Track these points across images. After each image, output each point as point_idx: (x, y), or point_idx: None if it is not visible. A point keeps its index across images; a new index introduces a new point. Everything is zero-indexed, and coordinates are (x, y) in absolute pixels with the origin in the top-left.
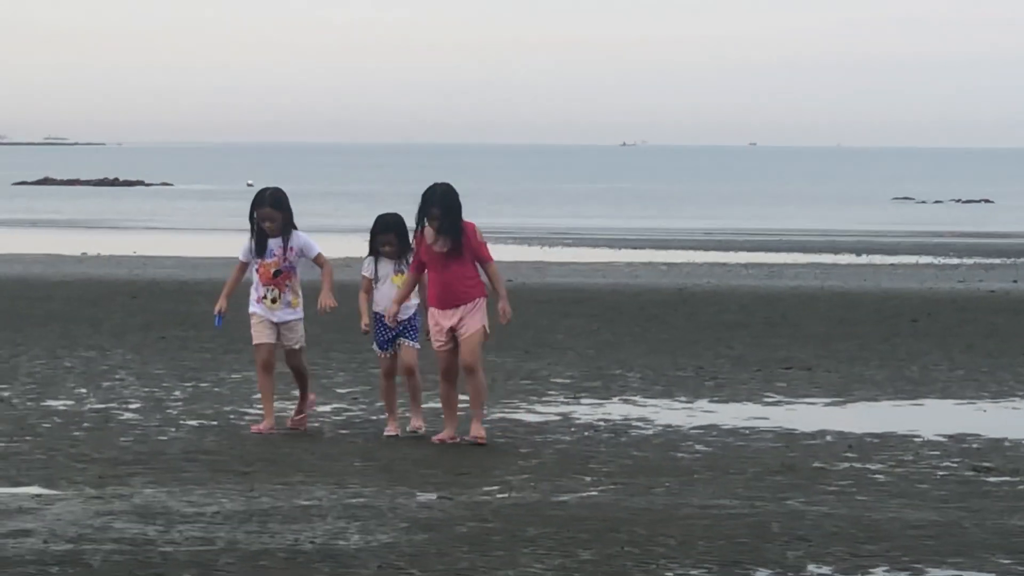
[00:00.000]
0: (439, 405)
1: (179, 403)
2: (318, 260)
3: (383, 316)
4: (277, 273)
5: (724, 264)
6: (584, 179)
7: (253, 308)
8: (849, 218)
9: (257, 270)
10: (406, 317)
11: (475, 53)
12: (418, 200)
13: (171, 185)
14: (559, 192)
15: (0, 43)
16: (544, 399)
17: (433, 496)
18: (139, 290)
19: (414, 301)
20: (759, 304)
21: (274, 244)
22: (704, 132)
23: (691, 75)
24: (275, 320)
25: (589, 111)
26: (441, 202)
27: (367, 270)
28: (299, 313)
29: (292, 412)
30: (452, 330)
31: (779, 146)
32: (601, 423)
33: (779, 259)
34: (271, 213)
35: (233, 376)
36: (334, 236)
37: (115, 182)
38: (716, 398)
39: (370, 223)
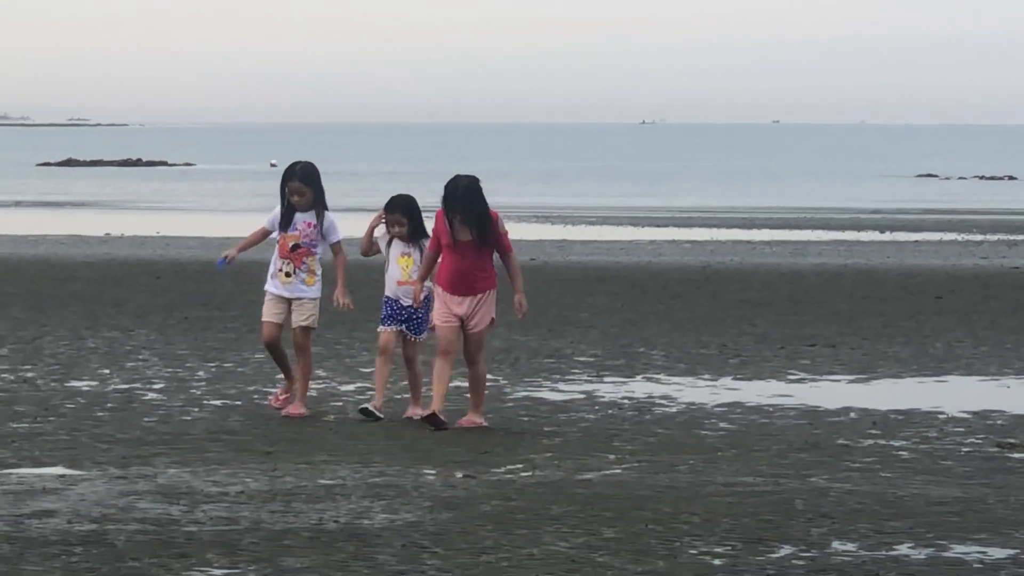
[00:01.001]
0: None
1: (202, 383)
2: (336, 247)
3: (391, 299)
4: (295, 247)
5: (748, 242)
6: (606, 157)
7: (267, 285)
8: (872, 195)
9: (277, 242)
10: (409, 304)
11: (494, 32)
12: (444, 184)
13: (194, 165)
14: (580, 170)
15: (24, 27)
16: (568, 377)
17: (458, 475)
18: (162, 271)
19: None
20: (783, 282)
21: (300, 218)
22: (726, 110)
23: (712, 53)
24: (287, 295)
25: (607, 89)
26: (464, 198)
27: (381, 238)
28: (312, 292)
29: (290, 394)
30: (459, 317)
31: (803, 123)
32: (625, 401)
33: (803, 236)
34: (300, 187)
35: (257, 356)
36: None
37: (138, 163)
38: (740, 376)
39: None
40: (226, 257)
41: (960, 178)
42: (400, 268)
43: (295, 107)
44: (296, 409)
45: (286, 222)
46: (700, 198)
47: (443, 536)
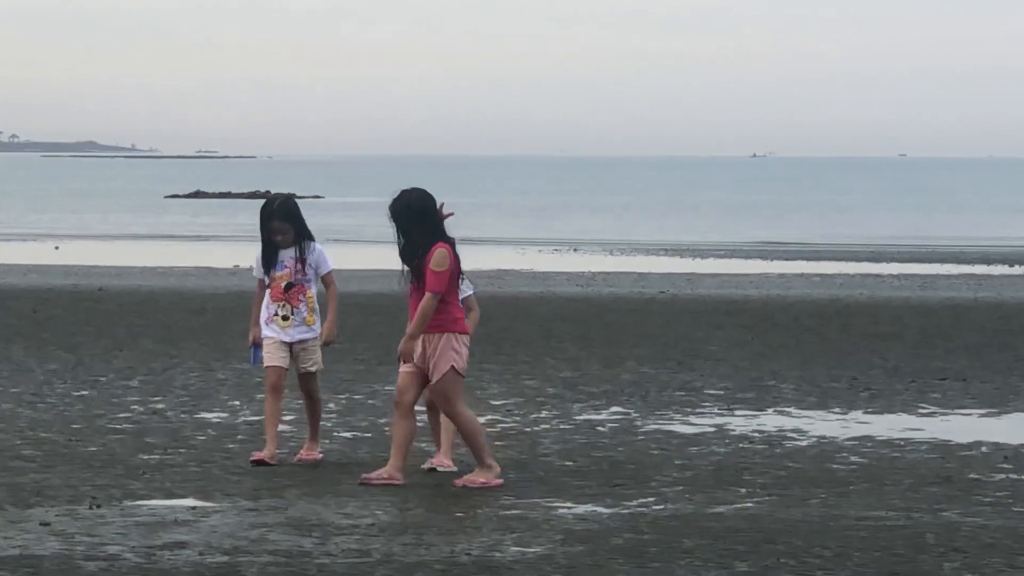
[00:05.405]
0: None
1: (333, 415)
2: (327, 279)
3: None
4: (289, 287)
5: (877, 275)
6: (729, 190)
7: (264, 331)
8: (1002, 228)
9: (268, 286)
10: None
11: (607, 66)
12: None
13: (322, 197)
14: (702, 203)
15: (152, 60)
16: (698, 410)
17: (589, 507)
18: None
19: None
20: (913, 315)
21: (286, 255)
22: (848, 143)
23: (824, 86)
24: (288, 340)
25: (717, 122)
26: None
27: None
28: (316, 331)
29: (305, 443)
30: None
31: (930, 157)
32: (755, 434)
33: (932, 270)
34: (280, 226)
35: (387, 388)
36: (505, 248)
37: (266, 195)
38: (871, 409)
39: (547, 235)
40: (254, 343)
41: None
42: None
43: (424, 139)
44: (309, 454)
45: (270, 261)
46: (827, 231)
47: (575, 569)
